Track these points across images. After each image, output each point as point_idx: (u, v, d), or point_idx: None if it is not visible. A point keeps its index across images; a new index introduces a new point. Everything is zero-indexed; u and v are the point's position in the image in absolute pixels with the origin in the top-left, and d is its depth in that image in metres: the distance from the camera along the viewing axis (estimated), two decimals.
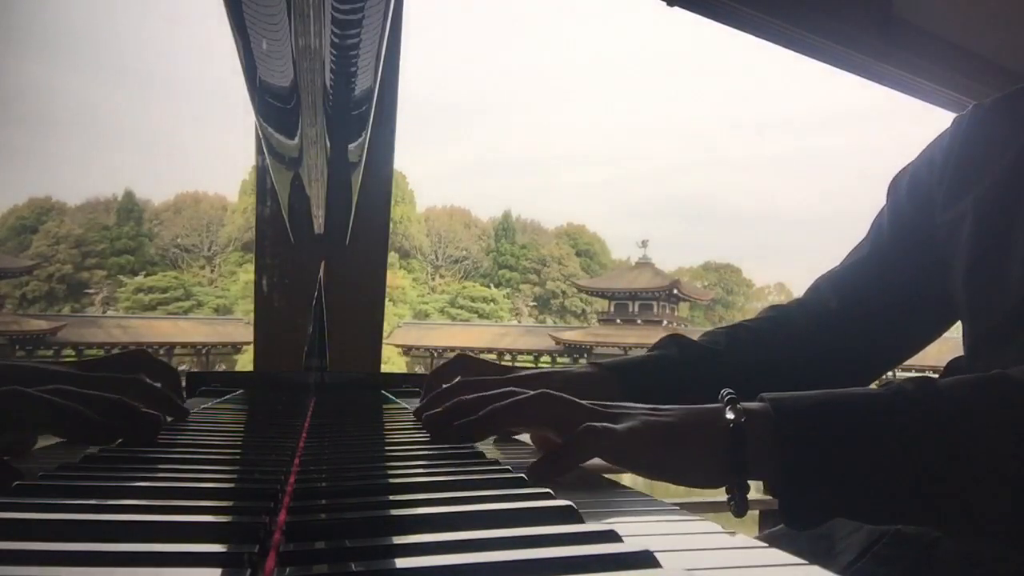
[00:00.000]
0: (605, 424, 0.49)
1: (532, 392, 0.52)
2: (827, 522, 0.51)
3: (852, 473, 0.49)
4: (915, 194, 0.82)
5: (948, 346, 0.97)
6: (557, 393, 0.52)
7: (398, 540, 0.30)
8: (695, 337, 0.86)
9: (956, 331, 0.80)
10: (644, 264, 32.34)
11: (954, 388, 0.52)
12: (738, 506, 0.50)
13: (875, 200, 0.92)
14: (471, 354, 0.82)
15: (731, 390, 0.53)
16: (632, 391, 0.74)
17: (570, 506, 0.34)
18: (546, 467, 0.47)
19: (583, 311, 43.42)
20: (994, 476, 0.49)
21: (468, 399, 0.56)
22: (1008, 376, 0.52)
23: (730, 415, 0.50)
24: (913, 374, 0.59)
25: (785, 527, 0.82)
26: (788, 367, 0.81)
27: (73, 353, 25.99)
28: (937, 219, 0.78)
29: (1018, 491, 0.49)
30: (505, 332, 33.13)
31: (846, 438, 0.49)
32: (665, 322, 29.10)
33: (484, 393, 0.56)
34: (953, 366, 0.77)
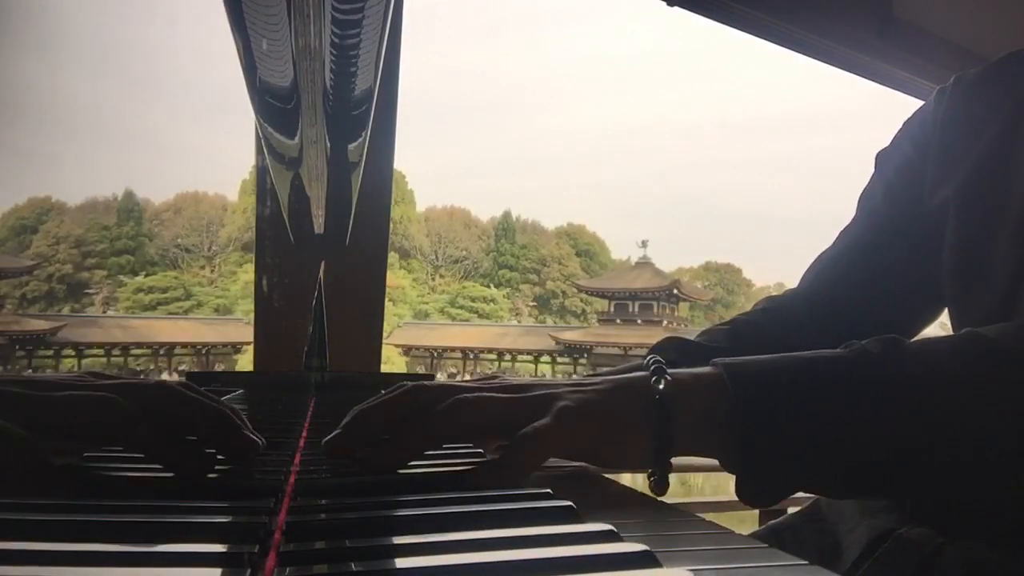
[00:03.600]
0: (531, 429, 0.43)
1: (443, 404, 0.44)
2: (785, 498, 0.47)
3: (818, 441, 0.45)
4: (904, 171, 0.80)
5: None
6: (469, 396, 0.45)
7: (398, 540, 0.30)
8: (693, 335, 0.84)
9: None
10: (644, 264, 32.36)
11: (923, 349, 0.49)
12: (659, 484, 0.46)
13: None
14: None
15: (658, 356, 0.50)
16: None
17: (570, 506, 0.34)
18: (488, 480, 0.41)
19: (583, 311, 43.45)
20: (965, 439, 0.45)
21: (370, 408, 0.46)
22: (980, 335, 0.49)
23: (659, 386, 0.46)
24: None
25: (790, 518, 0.81)
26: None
27: (73, 353, 26.01)
28: (927, 202, 0.76)
29: (990, 452, 0.46)
30: (505, 332, 33.14)
31: (811, 403, 0.45)
32: (665, 322, 29.12)
33: (385, 403, 0.46)
34: None
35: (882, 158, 0.85)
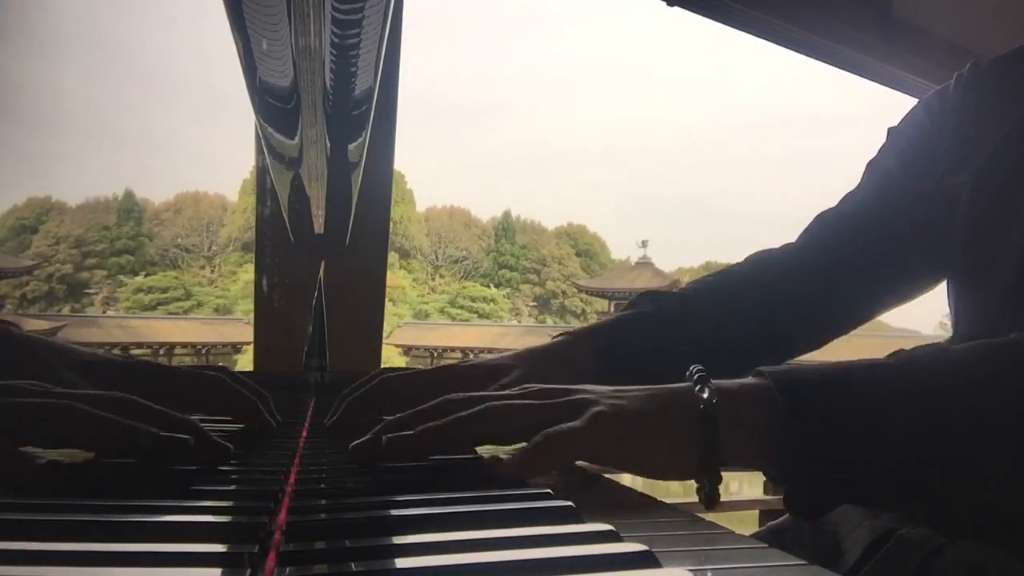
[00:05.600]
0: (561, 427, 0.43)
1: (473, 409, 0.45)
2: (834, 509, 0.46)
3: (865, 452, 0.44)
4: (919, 143, 0.79)
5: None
6: (499, 403, 0.45)
7: (398, 540, 0.30)
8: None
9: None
10: (644, 264, 32.36)
11: (969, 355, 0.48)
12: (709, 498, 0.45)
13: None
14: (391, 372, 0.69)
15: (700, 366, 0.48)
16: (609, 355, 0.71)
17: (570, 506, 0.34)
18: (499, 471, 0.42)
19: (583, 311, 43.44)
20: (1010, 448, 0.44)
21: (401, 417, 0.47)
22: (1021, 342, 0.48)
23: (704, 395, 0.44)
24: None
25: (791, 518, 0.81)
26: (772, 312, 0.77)
27: None
28: (940, 184, 0.75)
29: None
30: (505, 332, 33.13)
31: (858, 413, 0.44)
32: None
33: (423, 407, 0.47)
34: None
35: (895, 131, 0.83)
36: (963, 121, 0.76)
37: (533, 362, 0.69)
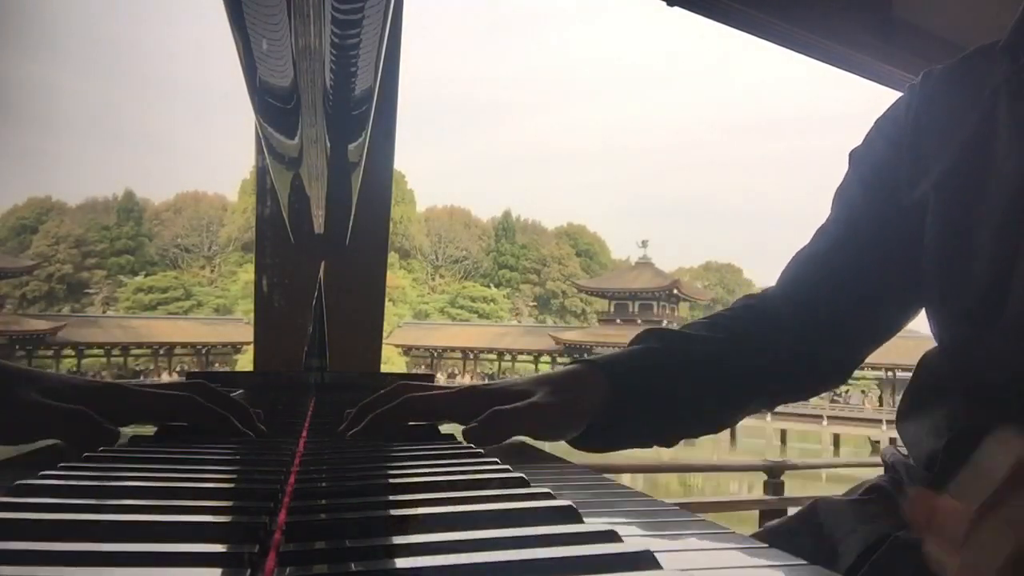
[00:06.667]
0: None
1: None
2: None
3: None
4: (880, 168, 0.80)
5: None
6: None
7: (398, 540, 0.30)
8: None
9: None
10: (644, 264, 32.40)
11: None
12: None
13: None
14: (411, 385, 0.68)
15: None
16: (621, 387, 0.71)
17: (570, 506, 0.34)
18: None
19: (583, 311, 43.47)
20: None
21: None
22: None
23: None
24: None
25: (790, 518, 0.81)
26: (770, 352, 0.79)
27: (73, 353, 26.02)
28: (904, 200, 0.75)
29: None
30: (505, 332, 33.15)
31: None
32: (665, 322, 29.12)
33: None
34: (926, 360, 0.75)
35: (857, 156, 0.84)
36: (920, 133, 0.76)
37: (550, 387, 0.68)
